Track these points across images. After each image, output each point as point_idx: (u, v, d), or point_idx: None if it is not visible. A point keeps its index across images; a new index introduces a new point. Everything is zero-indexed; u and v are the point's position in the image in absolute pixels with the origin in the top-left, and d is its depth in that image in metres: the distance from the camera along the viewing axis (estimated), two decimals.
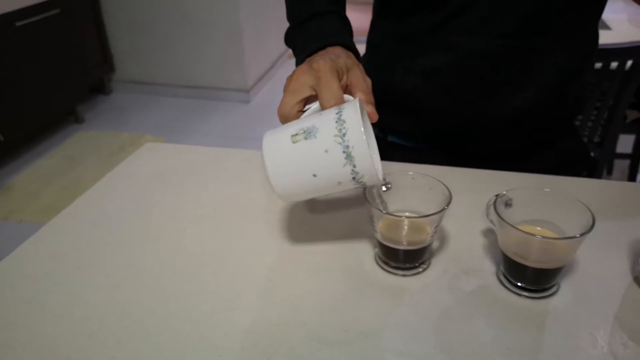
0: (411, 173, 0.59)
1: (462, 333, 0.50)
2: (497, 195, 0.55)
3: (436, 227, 0.56)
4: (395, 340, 0.49)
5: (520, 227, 0.53)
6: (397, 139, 0.87)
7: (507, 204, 0.56)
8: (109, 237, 0.65)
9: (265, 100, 3.50)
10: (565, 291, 0.55)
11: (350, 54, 0.64)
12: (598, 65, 1.49)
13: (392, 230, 0.56)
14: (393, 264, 0.58)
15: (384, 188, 0.59)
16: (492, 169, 0.76)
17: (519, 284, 0.54)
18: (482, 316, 0.52)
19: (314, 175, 0.51)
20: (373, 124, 0.66)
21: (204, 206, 0.70)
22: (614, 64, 1.49)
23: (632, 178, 2.13)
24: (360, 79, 0.59)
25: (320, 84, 0.56)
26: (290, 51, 4.15)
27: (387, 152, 0.87)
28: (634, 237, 0.61)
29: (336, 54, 0.61)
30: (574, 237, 0.50)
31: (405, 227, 0.56)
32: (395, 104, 0.81)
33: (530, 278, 0.53)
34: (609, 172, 2.41)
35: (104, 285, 0.57)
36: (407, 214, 0.59)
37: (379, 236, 0.56)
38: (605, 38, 1.74)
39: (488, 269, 0.58)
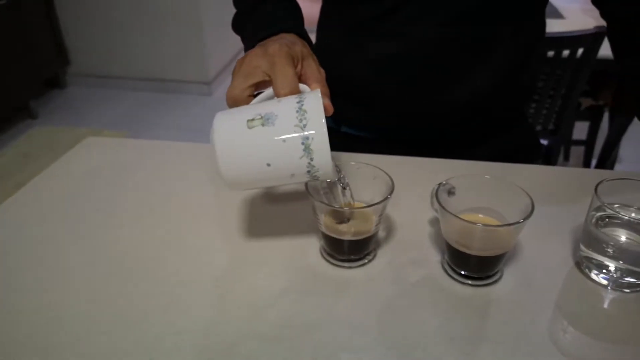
0: (353, 163, 0.58)
1: (406, 324, 0.49)
2: (439, 184, 0.54)
3: (380, 216, 0.55)
4: (337, 334, 0.48)
5: (462, 216, 0.53)
6: (351, 130, 0.87)
7: (450, 192, 0.55)
8: (40, 237, 0.61)
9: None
10: (508, 278, 0.55)
11: (305, 42, 0.62)
12: (551, 53, 1.52)
13: (336, 222, 0.55)
14: (338, 256, 0.56)
15: (341, 187, 0.57)
16: (446, 158, 0.76)
17: (463, 273, 0.54)
18: (426, 306, 0.51)
19: (268, 165, 0.48)
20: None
21: (143, 203, 0.67)
22: (566, 52, 1.52)
23: (587, 164, 2.19)
24: (315, 69, 0.57)
25: (275, 70, 0.53)
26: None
27: (341, 143, 0.86)
28: (576, 222, 0.62)
29: (291, 41, 0.58)
30: (514, 223, 0.50)
31: (349, 218, 0.55)
32: (347, 94, 0.80)
33: (474, 266, 0.53)
34: (566, 159, 2.47)
35: (34, 289, 0.54)
36: (354, 203, 0.58)
37: (323, 228, 0.55)
38: (558, 26, 1.78)
39: (433, 258, 0.57)
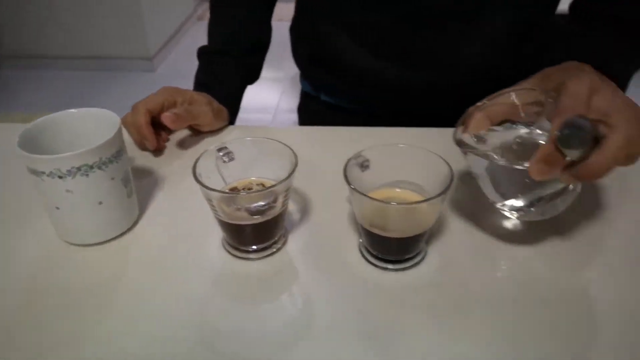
0: (249, 139, 0.51)
1: (318, 319, 0.43)
2: (350, 158, 0.47)
3: (285, 196, 0.48)
4: (239, 335, 0.41)
5: (377, 192, 0.47)
6: (329, 99, 0.83)
7: (364, 166, 0.48)
8: None
9: (172, 69, 3.27)
10: (433, 258, 0.49)
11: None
12: None
13: (233, 207, 0.47)
14: (242, 247, 0.49)
15: (224, 159, 0.50)
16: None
17: (381, 257, 0.48)
18: (343, 298, 0.45)
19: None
20: (307, 80, 0.85)
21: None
22: None
23: None
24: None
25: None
26: (198, 13, 3.89)
27: (320, 112, 0.82)
28: None
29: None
30: (430, 199, 0.43)
31: (248, 199, 0.47)
32: (325, 61, 0.78)
33: (392, 249, 0.47)
34: None
35: None
36: (253, 182, 0.51)
37: (221, 215, 0.47)
38: None
39: (351, 242, 0.51)
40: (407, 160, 0.49)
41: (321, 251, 0.50)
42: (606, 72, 0.46)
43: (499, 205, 0.49)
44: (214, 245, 0.51)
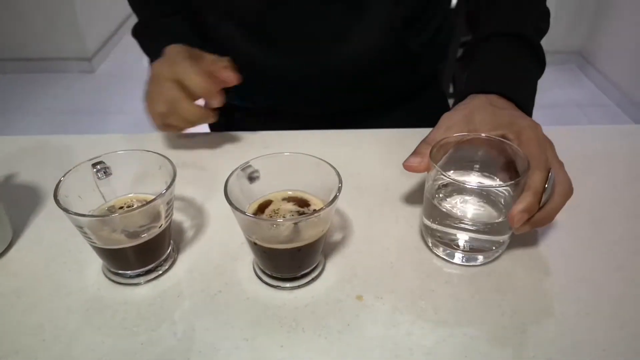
0: (122, 152, 0.46)
1: (198, 348, 0.39)
2: (235, 169, 0.44)
3: (168, 212, 0.44)
4: None
5: (255, 205, 0.43)
6: (227, 99, 0.76)
7: (252, 177, 0.45)
8: None
9: (112, 68, 3.14)
10: (329, 272, 0.46)
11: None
12: None
13: (106, 228, 0.43)
14: (122, 272, 0.45)
15: (99, 175, 0.45)
16: (341, 127, 0.67)
17: (273, 275, 0.44)
18: (228, 324, 0.41)
19: None
20: None
21: None
22: None
23: None
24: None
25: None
26: None
27: (224, 115, 0.77)
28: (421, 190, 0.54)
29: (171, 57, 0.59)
30: (313, 213, 0.40)
31: (123, 219, 0.43)
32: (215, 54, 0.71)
33: (284, 265, 0.44)
34: None
35: None
36: (133, 199, 0.46)
37: (92, 238, 0.42)
38: None
39: (246, 259, 0.47)
40: (298, 168, 0.45)
41: (213, 271, 0.46)
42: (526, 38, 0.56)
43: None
44: (93, 272, 0.46)
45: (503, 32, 0.59)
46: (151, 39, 0.69)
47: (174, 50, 0.59)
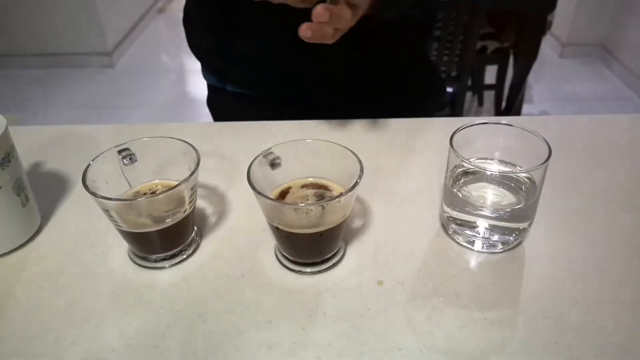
0: (147, 139, 0.47)
1: (221, 332, 0.40)
2: (258, 156, 0.44)
3: (192, 198, 0.45)
4: (136, 352, 0.38)
5: (277, 192, 0.44)
6: (235, 88, 0.78)
7: (274, 164, 0.45)
8: None
9: (132, 63, 3.17)
10: (350, 258, 0.46)
11: None
12: None
13: (132, 213, 0.44)
14: (148, 256, 0.46)
15: (125, 162, 0.46)
16: (346, 116, 0.67)
17: (295, 260, 0.45)
18: (254, 305, 0.42)
19: None
20: (209, 72, 0.77)
21: None
22: None
23: (498, 107, 2.18)
24: None
25: None
26: (158, 5, 3.80)
27: (227, 103, 0.77)
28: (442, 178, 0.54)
29: None
30: (335, 198, 0.40)
31: (149, 204, 0.44)
32: (227, 53, 0.72)
33: (305, 250, 0.44)
34: (480, 104, 2.46)
35: None
36: (158, 185, 0.47)
37: (120, 225, 0.44)
38: None
39: (268, 245, 0.48)
40: (320, 155, 0.46)
41: (236, 256, 0.47)
42: None
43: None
44: (119, 255, 0.47)
45: None
46: None
47: None
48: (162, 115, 2.53)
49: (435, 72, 0.86)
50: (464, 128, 0.46)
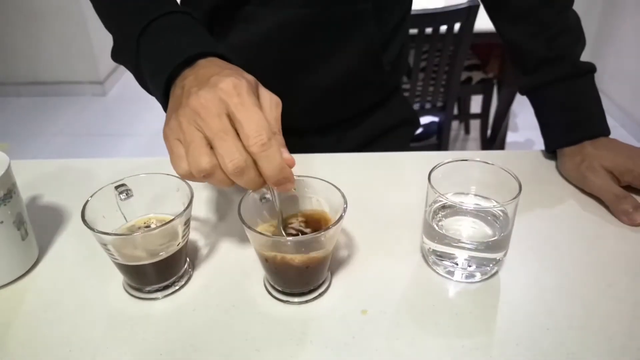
0: (143, 175, 0.49)
1: (213, 357, 0.42)
2: (249, 191, 0.47)
3: (185, 231, 0.47)
4: None
5: (262, 228, 0.46)
6: None
7: (263, 198, 0.48)
8: None
9: (124, 91, 3.22)
10: (336, 288, 0.49)
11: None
12: (429, 30, 1.50)
13: (128, 246, 0.46)
14: (142, 287, 0.48)
15: (121, 197, 0.49)
16: (318, 143, 0.70)
17: (283, 290, 0.47)
18: (244, 334, 0.44)
19: None
20: None
21: None
22: (443, 28, 1.50)
23: (483, 136, 2.23)
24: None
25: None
26: None
27: None
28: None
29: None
30: (319, 233, 0.43)
31: (145, 238, 0.46)
32: None
33: (292, 280, 0.46)
34: (467, 132, 2.52)
35: None
36: (152, 219, 0.49)
37: (115, 255, 0.46)
38: (435, 2, 1.77)
39: (257, 276, 0.50)
40: (304, 191, 0.49)
41: (226, 287, 0.49)
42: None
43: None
44: (114, 287, 0.49)
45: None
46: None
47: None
48: (154, 143, 2.55)
49: (406, 103, 0.90)
50: (442, 165, 0.49)
